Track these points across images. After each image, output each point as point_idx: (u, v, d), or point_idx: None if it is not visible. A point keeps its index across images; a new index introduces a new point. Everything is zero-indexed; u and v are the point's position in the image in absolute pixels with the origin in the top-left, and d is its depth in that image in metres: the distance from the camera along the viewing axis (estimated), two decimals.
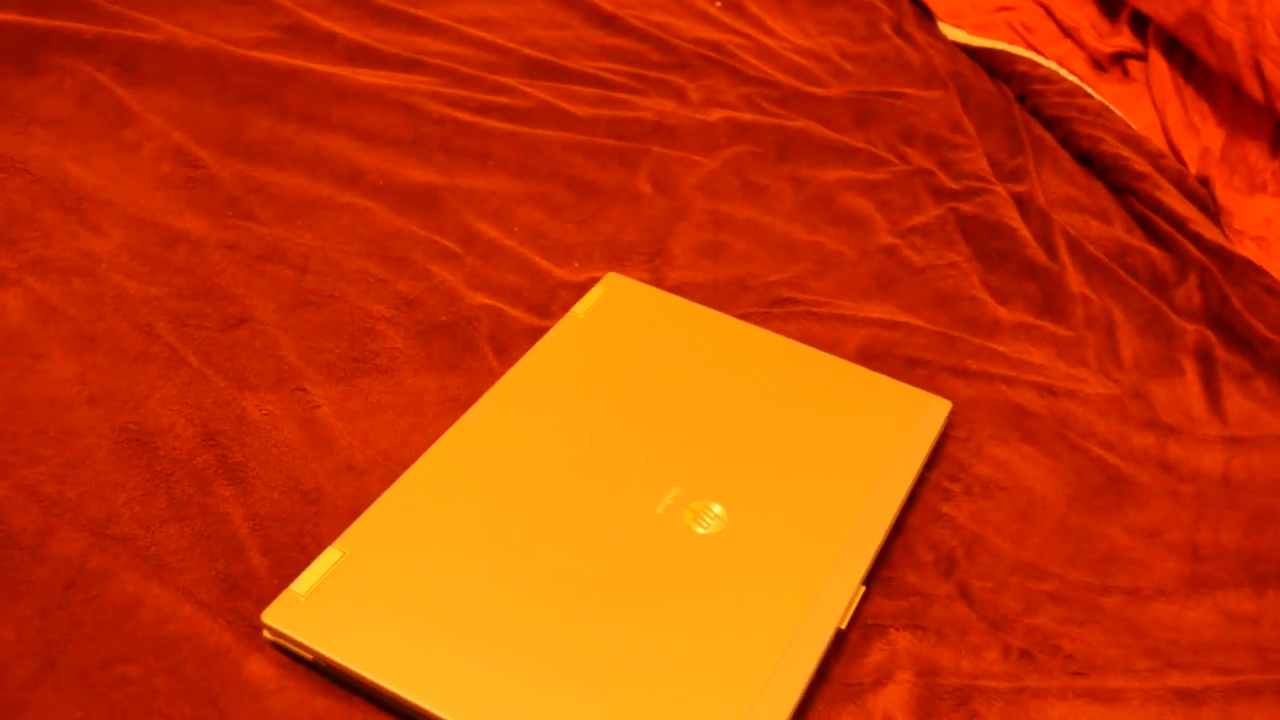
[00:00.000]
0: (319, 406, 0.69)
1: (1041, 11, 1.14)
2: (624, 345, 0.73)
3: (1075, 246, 0.88)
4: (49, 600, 0.58)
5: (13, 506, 0.62)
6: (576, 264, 0.82)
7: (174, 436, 0.66)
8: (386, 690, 0.55)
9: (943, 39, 1.12)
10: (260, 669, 0.57)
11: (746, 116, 0.97)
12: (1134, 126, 1.02)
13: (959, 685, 0.60)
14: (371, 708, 0.56)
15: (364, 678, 0.55)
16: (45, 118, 0.86)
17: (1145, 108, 1.05)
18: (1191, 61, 1.05)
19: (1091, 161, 0.98)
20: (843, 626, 0.60)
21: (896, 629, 0.62)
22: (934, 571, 0.65)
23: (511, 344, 0.75)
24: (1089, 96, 1.03)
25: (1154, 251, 0.88)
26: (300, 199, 0.83)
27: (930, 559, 0.66)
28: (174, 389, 0.69)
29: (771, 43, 1.06)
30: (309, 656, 0.56)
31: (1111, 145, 0.97)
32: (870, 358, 0.77)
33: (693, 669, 0.56)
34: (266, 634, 0.57)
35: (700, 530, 0.62)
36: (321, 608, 0.57)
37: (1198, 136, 1.00)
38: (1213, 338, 0.81)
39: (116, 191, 0.81)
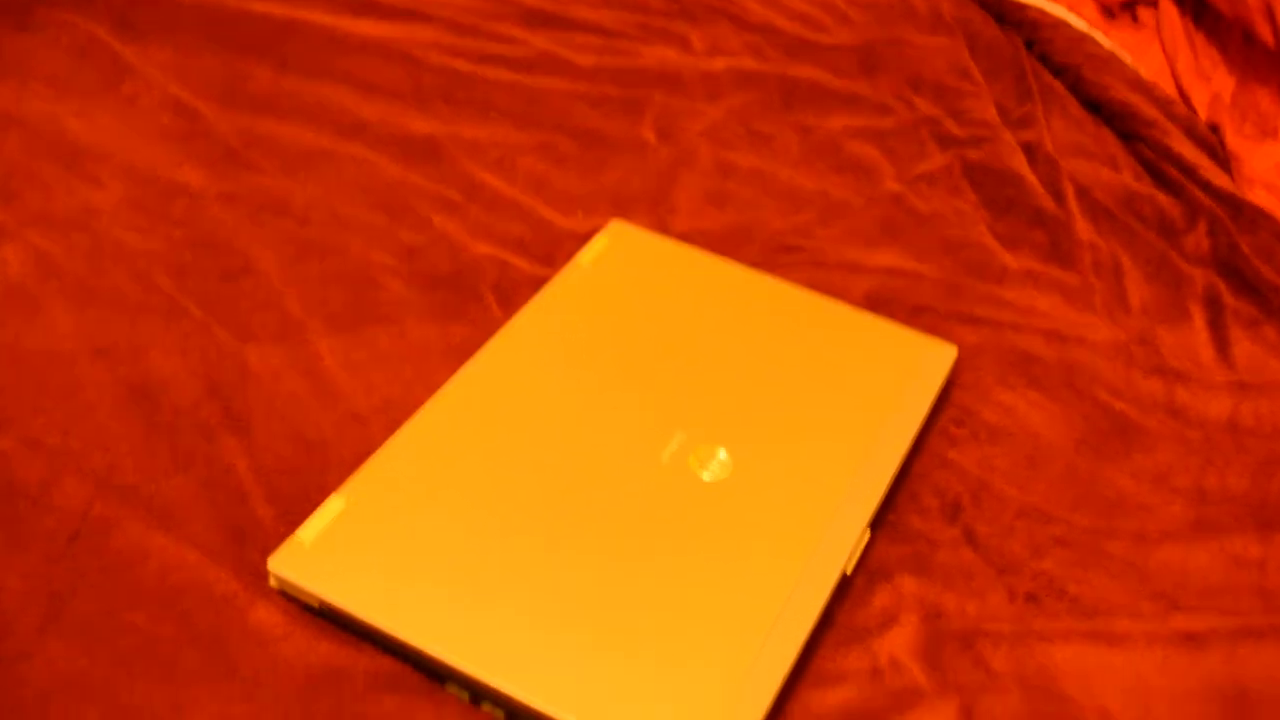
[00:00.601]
0: (322, 357, 0.69)
1: None
2: (628, 292, 0.73)
3: (1083, 193, 0.87)
4: (54, 550, 0.58)
5: (17, 458, 0.62)
6: (580, 213, 0.81)
7: (177, 388, 0.66)
8: (391, 636, 0.55)
9: None
10: (266, 616, 0.57)
11: (751, 65, 0.96)
12: (1143, 73, 1.01)
13: (964, 628, 0.60)
14: (377, 653, 0.56)
15: (369, 624, 0.55)
16: (42, 72, 0.85)
17: (1155, 54, 1.04)
18: (1202, 7, 1.04)
19: (1100, 109, 0.97)
20: (848, 571, 0.60)
21: (902, 573, 0.62)
22: (940, 516, 0.65)
23: (515, 293, 0.75)
24: (1098, 43, 1.02)
25: (1162, 198, 0.87)
26: (301, 150, 0.82)
27: (936, 504, 0.66)
28: (176, 340, 0.69)
29: None
30: (314, 604, 0.57)
31: (1120, 92, 0.96)
32: (876, 304, 0.77)
33: (699, 614, 0.56)
34: (272, 582, 0.58)
35: (705, 476, 0.62)
36: (326, 555, 0.57)
37: (1208, 83, 0.99)
38: (1221, 284, 0.81)
39: (115, 145, 0.80)
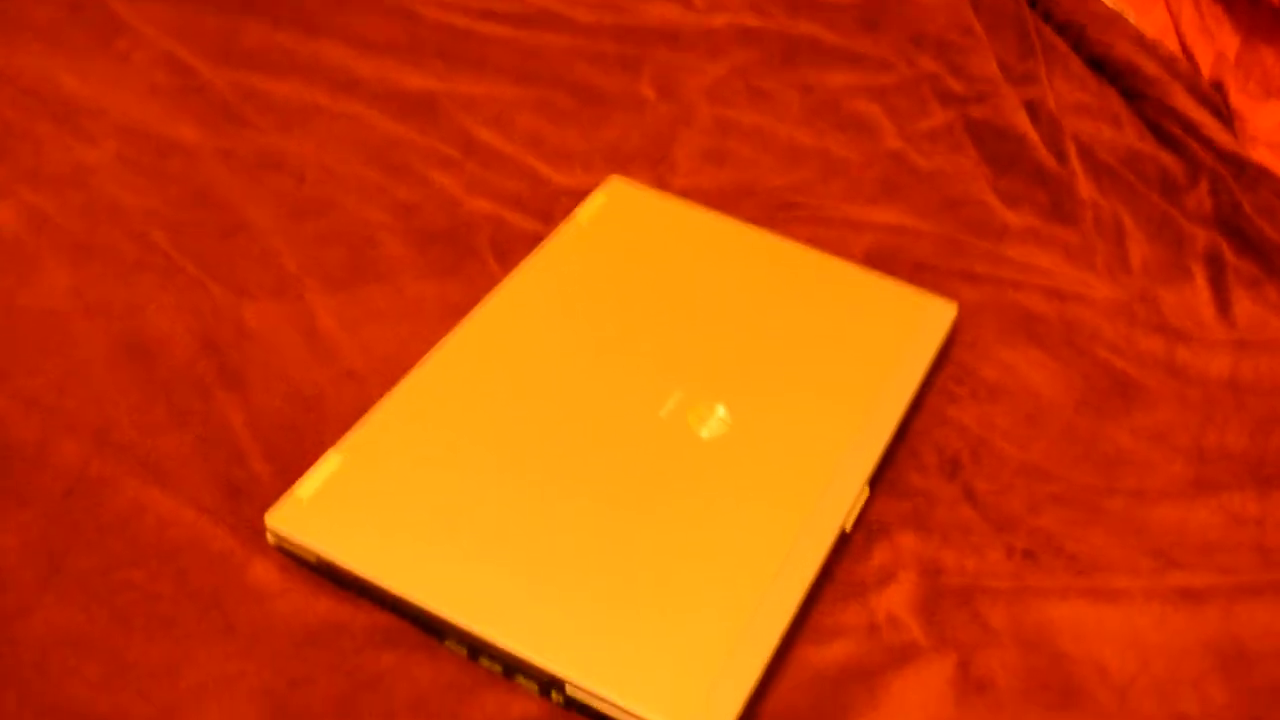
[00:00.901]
0: (318, 314, 0.69)
1: None
2: (626, 249, 0.72)
3: (1085, 151, 0.86)
4: (51, 508, 0.58)
5: (12, 417, 0.62)
6: (579, 170, 0.81)
7: (173, 345, 0.66)
8: (389, 592, 0.55)
9: None
10: (264, 573, 0.57)
11: (752, 21, 0.95)
12: (1147, 31, 1.00)
13: (962, 585, 0.60)
14: (375, 609, 0.56)
15: (367, 580, 0.55)
16: (35, 28, 0.84)
17: (1159, 12, 1.03)
18: None
19: (1103, 66, 0.96)
20: (847, 528, 0.60)
21: (901, 530, 0.62)
22: (939, 474, 0.65)
23: (512, 250, 0.74)
24: (1100, 1, 1.01)
25: (1165, 157, 0.87)
26: (297, 107, 0.81)
27: (935, 461, 0.66)
28: (172, 298, 0.68)
29: None
30: (312, 559, 0.56)
31: (1124, 50, 0.95)
32: (877, 261, 0.77)
33: (697, 570, 0.56)
34: (269, 538, 0.58)
35: (704, 433, 0.62)
36: (324, 511, 0.57)
37: (1212, 41, 0.98)
38: (1223, 243, 0.80)
39: (109, 101, 0.80)
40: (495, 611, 0.54)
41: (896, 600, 0.59)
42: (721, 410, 0.64)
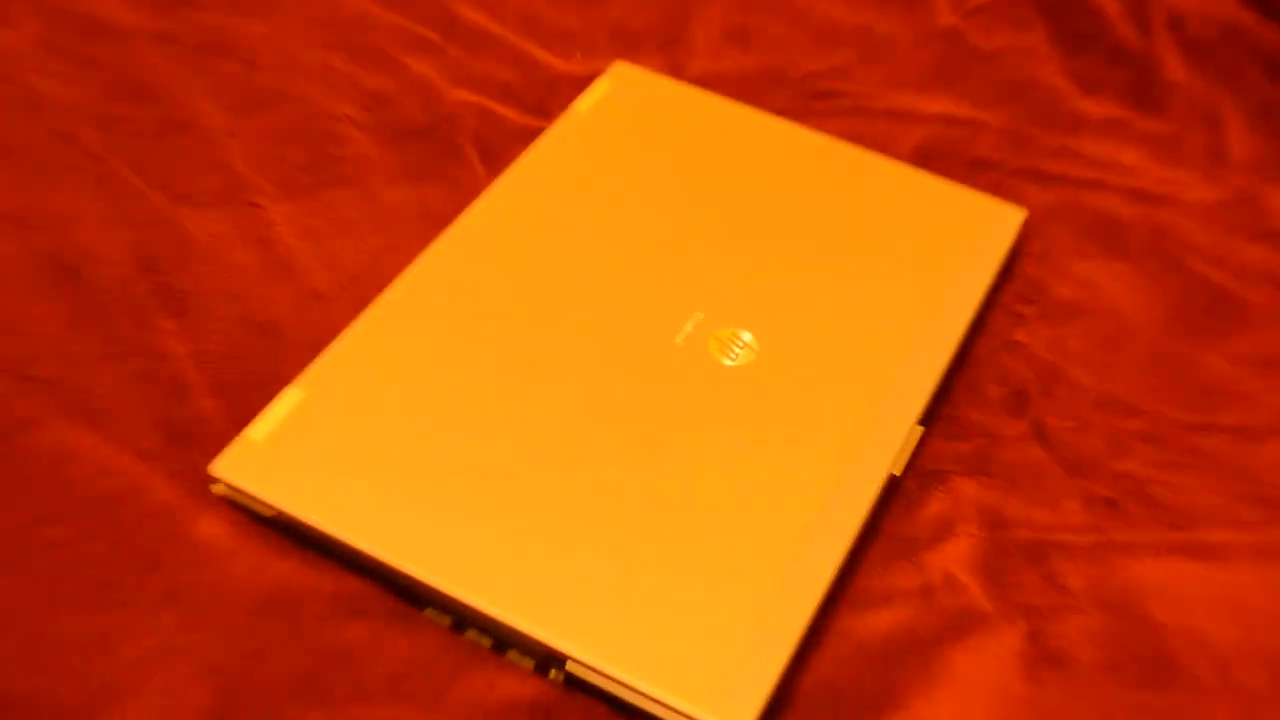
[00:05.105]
0: (275, 224, 0.68)
1: None
2: (635, 147, 0.71)
3: (1175, 24, 0.85)
4: None
5: None
6: (579, 54, 0.80)
7: (105, 262, 0.66)
8: (361, 552, 0.54)
9: None
10: (211, 529, 0.56)
11: None
12: None
13: (1032, 539, 0.60)
14: (343, 573, 0.56)
15: (334, 537, 0.54)
16: None
17: None
18: None
19: None
20: (896, 473, 0.59)
21: (959, 475, 0.62)
22: (1004, 409, 0.65)
23: (502, 148, 0.74)
24: None
25: (1271, 31, 0.85)
26: None
27: (999, 394, 0.65)
28: (103, 207, 0.68)
29: None
30: (268, 513, 0.56)
31: None
32: (929, 159, 0.76)
33: (719, 525, 0.56)
34: (218, 488, 0.57)
35: (727, 362, 0.61)
36: (282, 456, 0.56)
37: None
38: None
39: None
40: (484, 575, 0.53)
41: (955, 557, 0.59)
42: (748, 335, 0.63)
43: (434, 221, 0.69)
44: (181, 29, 0.77)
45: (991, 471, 0.62)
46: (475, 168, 0.72)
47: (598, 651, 0.51)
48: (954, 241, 0.68)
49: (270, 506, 0.55)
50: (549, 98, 0.77)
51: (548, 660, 0.52)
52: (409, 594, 0.55)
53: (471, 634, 0.54)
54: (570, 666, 0.51)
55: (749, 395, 0.60)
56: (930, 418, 0.63)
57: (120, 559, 0.55)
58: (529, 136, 0.73)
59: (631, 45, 0.81)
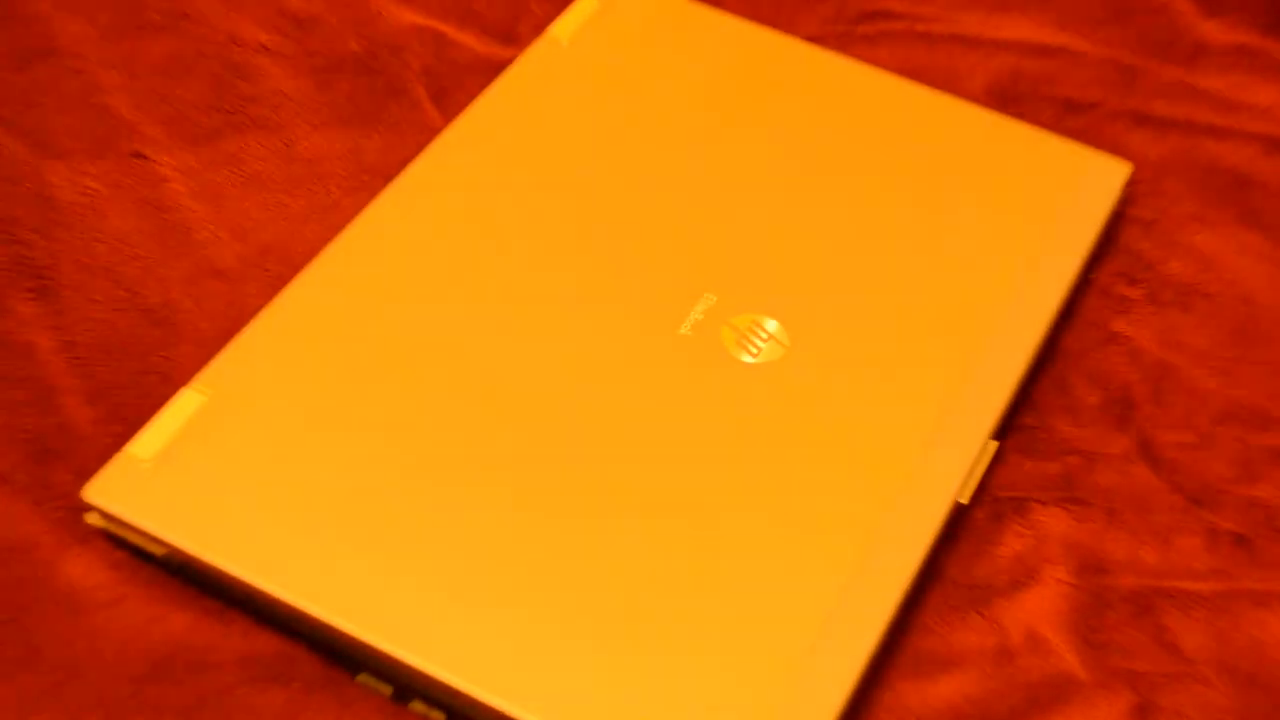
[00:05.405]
0: (166, 181, 0.69)
1: None
2: (627, 83, 0.72)
3: None
4: None
5: None
6: None
7: None
8: (277, 600, 0.54)
9: None
10: (85, 571, 0.57)
11: None
12: None
13: (1139, 588, 0.60)
14: (255, 627, 0.56)
15: (243, 581, 0.54)
16: None
17: None
18: None
19: None
20: (963, 501, 0.59)
21: (1044, 504, 0.62)
22: (1102, 419, 0.65)
23: (457, 85, 0.74)
24: None
25: None
26: None
27: (1096, 400, 0.65)
28: None
29: None
30: (158, 550, 0.56)
31: None
32: (1006, 99, 0.76)
33: (740, 574, 0.55)
34: (93, 518, 0.57)
35: (747, 358, 0.62)
36: (175, 477, 0.56)
37: None
38: None
39: None
40: (438, 631, 0.53)
41: (1039, 610, 0.59)
42: (772, 324, 0.63)
43: (371, 178, 0.69)
44: None
45: (1086, 500, 0.62)
46: (424, 110, 0.73)
47: None
48: (1038, 206, 0.68)
49: (161, 542, 0.55)
50: (518, 21, 0.77)
51: None
52: (339, 655, 0.55)
53: (418, 706, 0.54)
54: None
55: (774, 402, 0.60)
56: (1007, 431, 0.64)
57: None
58: (493, 71, 0.74)
59: None
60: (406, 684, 0.54)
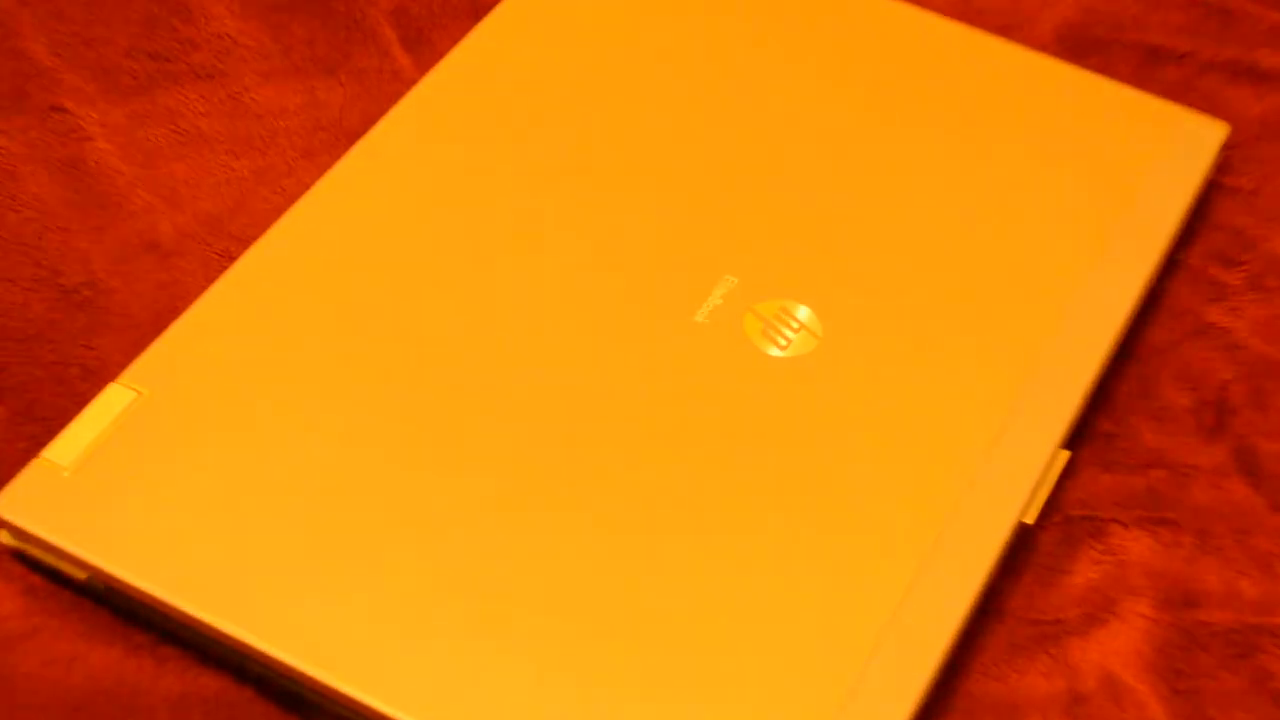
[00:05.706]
0: (91, 139, 0.70)
1: None
2: (633, 27, 0.72)
3: None
4: None
5: None
6: None
7: None
8: (218, 630, 0.54)
9: None
10: None
11: None
12: None
13: (1236, 625, 0.60)
14: (193, 662, 0.56)
15: (179, 609, 0.54)
16: None
17: None
18: None
19: None
20: (1029, 521, 0.59)
21: (1124, 526, 0.62)
22: (1193, 425, 0.65)
23: (435, 28, 0.75)
24: None
25: None
26: None
27: (1186, 404, 0.65)
28: None
29: None
30: (79, 574, 0.56)
31: None
32: (1079, 47, 0.77)
33: (770, 600, 0.55)
34: (3, 537, 0.57)
35: (774, 351, 0.62)
36: (100, 488, 0.56)
37: None
38: None
39: None
40: (400, 670, 0.53)
41: (1118, 651, 0.59)
42: (803, 311, 0.63)
43: (333, 136, 0.70)
44: None
45: (1174, 520, 0.62)
46: (395, 57, 0.73)
47: None
48: (1117, 174, 0.68)
49: (83, 564, 0.55)
50: None
51: None
52: (293, 698, 0.55)
53: None
54: None
55: (804, 403, 0.60)
56: (1079, 437, 0.64)
57: None
58: (475, 13, 0.74)
59: None
60: None
